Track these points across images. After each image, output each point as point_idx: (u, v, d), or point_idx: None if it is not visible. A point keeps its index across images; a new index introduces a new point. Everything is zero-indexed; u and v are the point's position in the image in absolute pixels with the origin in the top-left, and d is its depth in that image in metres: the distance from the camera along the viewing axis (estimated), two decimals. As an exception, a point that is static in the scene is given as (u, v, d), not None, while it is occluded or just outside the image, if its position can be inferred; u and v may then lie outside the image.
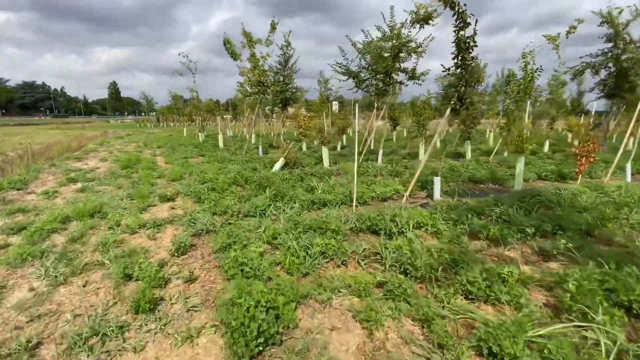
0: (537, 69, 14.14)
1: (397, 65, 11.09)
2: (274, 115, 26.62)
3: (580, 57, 17.33)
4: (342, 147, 17.93)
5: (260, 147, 15.87)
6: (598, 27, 15.68)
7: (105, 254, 4.83)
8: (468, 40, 6.37)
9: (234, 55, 14.17)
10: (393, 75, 11.41)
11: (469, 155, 14.03)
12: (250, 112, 28.21)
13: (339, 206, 7.04)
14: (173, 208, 7.36)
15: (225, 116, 34.48)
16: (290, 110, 37.33)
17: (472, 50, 6.45)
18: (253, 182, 8.94)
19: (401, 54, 11.02)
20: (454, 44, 6.57)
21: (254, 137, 19.48)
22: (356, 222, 5.61)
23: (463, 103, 6.68)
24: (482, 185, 8.89)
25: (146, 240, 5.47)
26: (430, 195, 7.73)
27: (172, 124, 62.34)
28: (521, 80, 14.28)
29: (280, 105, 19.72)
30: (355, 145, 6.72)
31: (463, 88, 6.60)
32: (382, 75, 11.41)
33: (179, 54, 20.24)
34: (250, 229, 5.56)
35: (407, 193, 7.04)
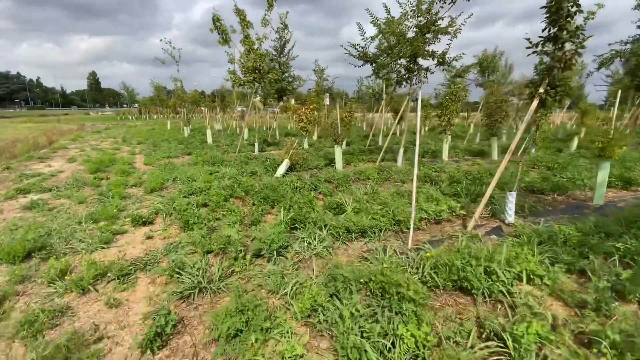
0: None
1: (426, 47, 9.13)
2: (267, 107, 24.43)
3: (610, 45, 15.77)
4: (348, 144, 15.95)
5: (256, 144, 13.74)
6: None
7: (30, 351, 2.77)
8: (571, 3, 4.45)
9: (225, 36, 11.90)
10: (419, 59, 9.46)
11: (495, 154, 12.26)
12: (240, 103, 25.86)
13: (381, 233, 5.10)
14: (150, 237, 5.26)
15: (214, 112, 31.97)
16: (280, 102, 35.02)
17: (575, 17, 4.54)
18: (256, 194, 6.90)
19: (428, 35, 9.07)
20: (545, 11, 4.65)
21: (246, 131, 17.32)
22: (430, 272, 3.67)
23: (557, 91, 4.79)
24: (546, 197, 7.09)
25: (103, 310, 3.41)
26: (496, 215, 5.87)
27: (155, 116, 58.99)
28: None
29: (276, 96, 17.52)
30: (417, 149, 4.74)
31: (558, 71, 4.69)
32: (407, 59, 9.44)
33: (161, 40, 17.82)
34: (270, 288, 3.57)
35: (477, 215, 5.14)
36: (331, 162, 10.75)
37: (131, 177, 9.36)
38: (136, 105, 67.74)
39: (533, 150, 12.92)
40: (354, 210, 5.93)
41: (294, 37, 16.12)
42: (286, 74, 16.84)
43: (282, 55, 16.56)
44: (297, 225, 5.31)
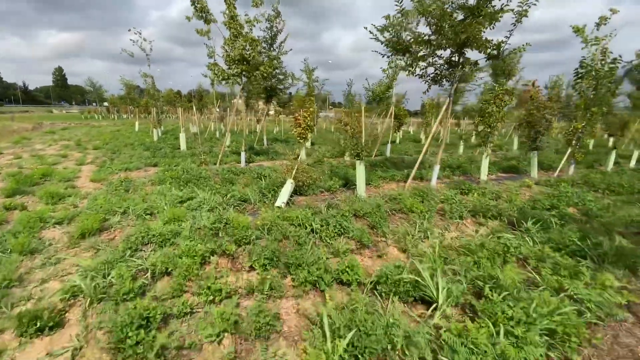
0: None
1: (481, 34, 6.69)
2: (253, 108, 21.53)
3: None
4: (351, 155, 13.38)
5: (242, 155, 10.85)
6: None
7: None
8: None
9: (205, 14, 9.03)
10: (469, 49, 7.01)
11: (535, 171, 10.04)
12: (220, 103, 22.77)
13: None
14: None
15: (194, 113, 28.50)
16: (261, 104, 31.97)
17: None
18: (256, 250, 4.14)
19: (480, 18, 6.64)
20: None
21: (229, 138, 14.36)
22: None
23: None
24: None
25: None
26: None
27: (125, 116, 54.21)
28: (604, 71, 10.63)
29: (264, 96, 14.68)
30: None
31: None
32: (453, 48, 6.97)
33: (129, 30, 14.59)
34: None
35: None
36: (347, 182, 8.10)
37: (61, 205, 6.31)
38: (105, 103, 62.41)
39: (572, 168, 10.83)
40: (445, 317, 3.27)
41: (287, 28, 13.43)
42: (277, 71, 14.08)
43: (272, 49, 13.81)
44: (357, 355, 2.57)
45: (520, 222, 5.47)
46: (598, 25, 10.04)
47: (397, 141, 19.50)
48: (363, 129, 6.83)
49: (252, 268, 3.98)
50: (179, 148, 14.25)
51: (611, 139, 16.39)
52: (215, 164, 10.85)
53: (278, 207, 6.24)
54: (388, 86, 14.87)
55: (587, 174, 9.78)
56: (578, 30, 9.50)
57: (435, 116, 19.20)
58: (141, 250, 4.36)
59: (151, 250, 4.31)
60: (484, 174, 8.98)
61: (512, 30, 6.74)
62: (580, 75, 10.25)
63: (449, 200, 6.48)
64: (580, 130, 10.28)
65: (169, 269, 3.77)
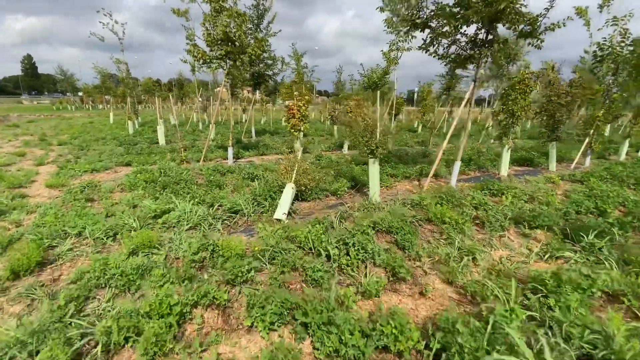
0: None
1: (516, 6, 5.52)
2: (239, 96, 19.89)
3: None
4: (349, 148, 12.11)
5: (230, 151, 9.45)
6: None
7: None
8: None
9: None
10: (500, 24, 5.84)
11: (553, 164, 9.09)
12: (203, 92, 21.03)
13: None
14: None
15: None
16: (246, 93, 30.07)
17: None
18: (261, 301, 2.92)
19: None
20: None
21: (213, 130, 12.86)
22: None
23: None
24: None
25: None
26: None
27: (101, 107, 51.13)
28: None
29: (251, 83, 13.20)
30: None
31: None
32: (482, 23, 5.78)
33: (98, 11, 12.73)
34: None
35: None
36: (356, 183, 6.89)
37: (0, 223, 4.90)
38: (80, 93, 58.72)
39: (588, 159, 9.96)
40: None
41: (274, 8, 11.92)
42: (265, 55, 12.61)
43: (259, 29, 12.29)
44: None
45: (579, 235, 4.43)
46: (601, 7, 9.06)
47: (393, 132, 18.34)
48: (379, 120, 5.59)
49: (252, 326, 2.77)
50: (157, 142, 12.69)
51: (620, 128, 15.73)
52: (198, 161, 9.45)
53: (278, 219, 5.01)
54: (385, 72, 13.61)
55: (609, 167, 8.90)
56: (581, 12, 8.41)
57: (432, 104, 18.12)
58: (94, 299, 3.08)
59: (107, 301, 3.03)
60: (504, 169, 7.94)
61: (553, 1, 5.59)
62: (599, 58, 9.29)
63: (482, 205, 5.39)
64: (599, 119, 9.38)
65: (130, 338, 2.52)
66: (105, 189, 6.55)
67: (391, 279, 3.59)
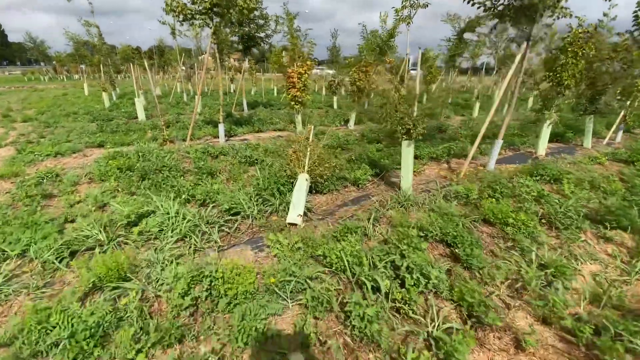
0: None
1: None
2: (225, 64, 18.02)
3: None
4: (356, 123, 10.70)
5: (221, 127, 8.02)
6: None
7: None
8: None
9: None
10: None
11: (588, 141, 8.02)
12: (186, 60, 18.93)
13: None
14: None
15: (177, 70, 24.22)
16: (233, 61, 27.66)
17: None
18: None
19: None
20: None
21: (199, 103, 11.25)
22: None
23: None
24: None
25: None
26: None
27: (77, 77, 47.44)
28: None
29: (241, 47, 11.48)
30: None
31: None
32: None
33: None
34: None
35: None
36: (377, 168, 5.65)
37: None
38: (54, 62, 54.36)
39: (620, 134, 8.89)
40: None
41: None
42: (256, 12, 10.84)
43: (248, -17, 10.45)
44: None
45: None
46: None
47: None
48: (417, 92, 4.28)
49: None
50: (137, 117, 11.08)
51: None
52: (184, 140, 8.04)
53: (293, 224, 3.83)
54: (391, 34, 11.99)
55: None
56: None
57: (436, 73, 16.60)
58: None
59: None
60: (542, 148, 6.82)
61: None
62: (640, 18, 7.98)
63: (543, 197, 4.30)
64: (638, 88, 8.22)
65: None
66: (68, 181, 5.19)
67: (468, 320, 2.51)
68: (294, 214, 3.82)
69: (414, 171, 5.80)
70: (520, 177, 5.09)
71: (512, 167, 5.93)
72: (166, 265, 2.97)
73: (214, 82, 22.49)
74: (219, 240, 3.50)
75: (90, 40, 20.08)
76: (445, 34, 19.21)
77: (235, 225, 3.79)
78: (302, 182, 4.15)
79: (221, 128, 7.98)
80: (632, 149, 7.28)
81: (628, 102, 8.38)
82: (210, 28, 7.08)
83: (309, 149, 4.45)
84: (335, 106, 14.66)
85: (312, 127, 4.61)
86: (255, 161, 6.05)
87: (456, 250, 3.21)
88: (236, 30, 10.48)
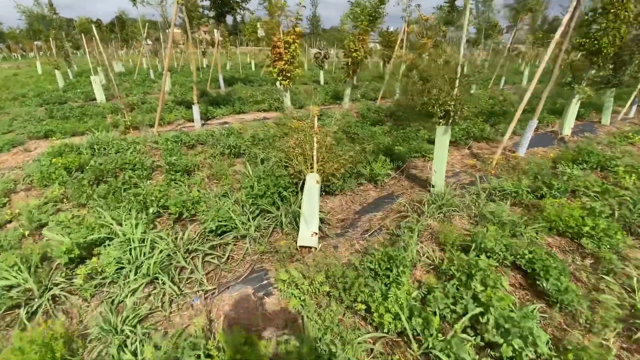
0: None
1: None
2: (194, 36, 16.13)
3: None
4: (355, 98, 9.46)
5: (196, 110, 6.67)
6: None
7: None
8: None
9: None
10: None
11: (607, 118, 7.28)
12: (150, 32, 16.76)
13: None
14: None
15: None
16: (203, 32, 25.11)
17: None
18: None
19: None
20: None
21: (168, 80, 9.68)
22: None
23: None
24: None
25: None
26: None
27: (32, 55, 42.67)
28: None
29: (213, 13, 9.83)
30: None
31: None
32: None
33: None
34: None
35: None
36: (393, 159, 4.60)
37: None
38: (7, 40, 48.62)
39: (634, 109, 8.20)
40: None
41: None
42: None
43: None
44: None
45: None
46: None
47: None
48: (458, 71, 3.19)
49: None
50: (95, 99, 9.42)
51: None
52: (152, 125, 6.68)
53: (307, 247, 2.80)
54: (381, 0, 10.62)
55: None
56: None
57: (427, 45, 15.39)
58: None
59: None
60: (568, 127, 6.00)
61: None
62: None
63: (608, 193, 3.45)
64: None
65: None
66: (4, 182, 3.90)
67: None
68: (307, 233, 2.78)
69: (432, 159, 4.84)
70: (564, 165, 4.24)
71: (542, 151, 5.09)
72: (127, 337, 1.90)
73: (183, 57, 20.31)
74: (205, 280, 2.44)
75: (39, 11, 17.48)
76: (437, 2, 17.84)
77: (227, 253, 2.72)
78: (313, 187, 3.09)
79: (196, 110, 6.66)
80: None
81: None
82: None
83: (316, 140, 3.36)
84: (322, 81, 13.33)
85: (318, 111, 3.49)
86: (243, 153, 4.89)
87: (538, 282, 2.31)
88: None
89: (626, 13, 4.96)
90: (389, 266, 2.31)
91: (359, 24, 8.33)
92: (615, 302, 2.22)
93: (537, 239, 2.88)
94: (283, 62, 6.90)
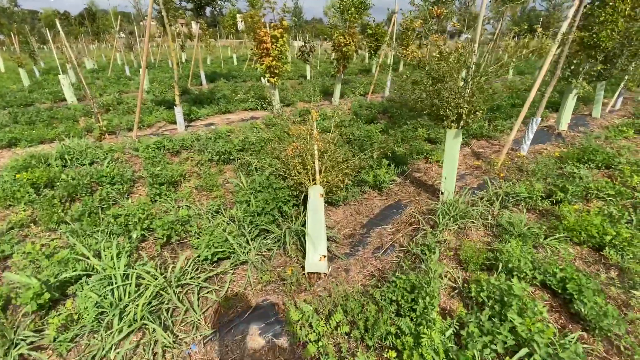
0: None
1: None
2: (171, 29, 15.31)
3: None
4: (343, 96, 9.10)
5: (178, 111, 6.18)
6: None
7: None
8: None
9: None
10: None
11: (598, 110, 7.25)
12: (123, 25, 15.76)
13: None
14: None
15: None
16: (181, 26, 23.94)
17: None
18: None
19: None
20: None
21: (146, 78, 8.98)
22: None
23: None
24: None
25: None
26: None
27: (4, 49, 39.84)
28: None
29: (191, 4, 9.18)
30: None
31: None
32: None
33: None
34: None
35: None
36: (397, 164, 4.31)
37: None
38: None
39: (620, 100, 8.22)
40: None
41: None
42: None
43: None
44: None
45: None
46: None
47: (373, 70, 15.10)
48: (474, 60, 2.92)
49: None
50: (65, 100, 8.68)
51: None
52: (130, 129, 6.16)
53: (315, 273, 2.50)
54: (367, -11, 10.20)
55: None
56: None
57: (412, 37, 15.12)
58: None
59: None
60: (564, 122, 5.88)
61: None
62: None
63: (621, 195, 3.30)
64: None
65: None
66: None
67: None
68: (315, 257, 2.47)
69: (435, 161, 4.60)
70: (570, 165, 4.09)
71: (543, 149, 4.94)
72: None
73: (160, 51, 19.29)
74: (202, 321, 2.10)
75: (-2, 2, 16.07)
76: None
77: (227, 285, 2.37)
78: (317, 201, 2.78)
79: (179, 112, 6.16)
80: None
81: (631, 66, 7.64)
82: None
83: (316, 148, 3.03)
84: (308, 76, 12.87)
85: (316, 113, 3.15)
86: (233, 159, 4.50)
87: (571, 303, 2.10)
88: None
89: (624, 6, 4.81)
90: (414, 297, 2.04)
91: (348, 16, 7.94)
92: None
93: (557, 249, 2.68)
94: (270, 58, 6.47)
